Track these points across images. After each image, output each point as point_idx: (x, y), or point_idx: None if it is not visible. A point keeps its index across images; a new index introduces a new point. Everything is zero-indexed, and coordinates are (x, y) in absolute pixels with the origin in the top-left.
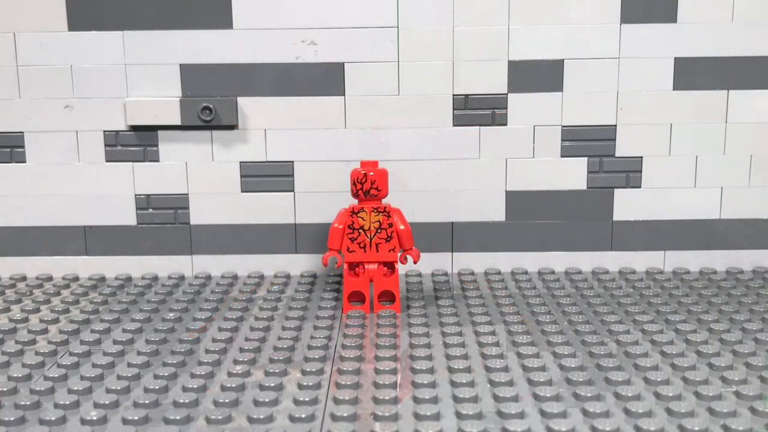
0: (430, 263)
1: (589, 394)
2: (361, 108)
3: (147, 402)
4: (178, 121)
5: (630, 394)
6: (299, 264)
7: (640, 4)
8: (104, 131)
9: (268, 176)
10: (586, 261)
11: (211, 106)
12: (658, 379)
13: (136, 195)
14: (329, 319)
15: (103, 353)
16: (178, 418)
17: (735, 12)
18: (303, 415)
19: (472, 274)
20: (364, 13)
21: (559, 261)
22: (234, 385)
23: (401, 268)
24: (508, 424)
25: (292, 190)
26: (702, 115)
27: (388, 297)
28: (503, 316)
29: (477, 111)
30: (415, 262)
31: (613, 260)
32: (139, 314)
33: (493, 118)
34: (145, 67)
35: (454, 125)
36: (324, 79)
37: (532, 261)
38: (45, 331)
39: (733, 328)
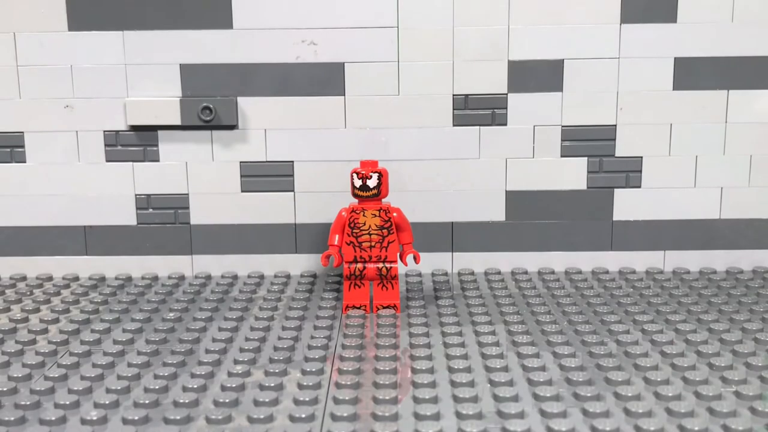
0: (430, 263)
1: (589, 394)
2: (361, 108)
3: (147, 402)
4: (178, 121)
5: (630, 394)
6: (299, 264)
7: (640, 4)
8: (104, 131)
9: (268, 176)
10: (586, 261)
11: (211, 106)
12: (658, 379)
13: (136, 195)
14: (329, 319)
15: (103, 353)
16: (178, 418)
17: (735, 12)
18: (303, 415)
19: (472, 273)
20: (364, 13)
21: (559, 261)
22: (234, 385)
23: (401, 269)
24: (508, 424)
25: (292, 190)
26: (702, 115)
27: None
28: (503, 316)
29: (477, 111)
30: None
31: (613, 260)
32: (139, 314)
33: (493, 118)
34: (145, 67)
35: (453, 125)
36: (324, 79)
37: (532, 261)
38: (45, 330)
39: (733, 328)
